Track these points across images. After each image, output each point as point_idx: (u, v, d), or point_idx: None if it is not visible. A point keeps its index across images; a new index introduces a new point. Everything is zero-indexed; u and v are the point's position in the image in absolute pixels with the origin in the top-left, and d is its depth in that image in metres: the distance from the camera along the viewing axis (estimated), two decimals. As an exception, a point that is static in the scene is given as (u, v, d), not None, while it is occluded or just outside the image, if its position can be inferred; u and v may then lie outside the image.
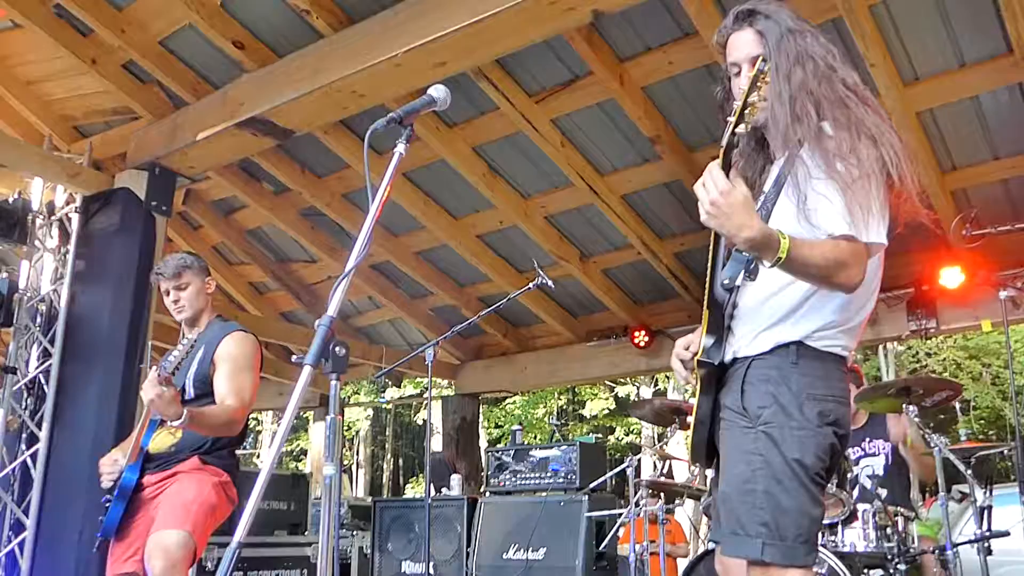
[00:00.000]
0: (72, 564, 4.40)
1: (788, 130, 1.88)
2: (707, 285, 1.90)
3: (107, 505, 3.11)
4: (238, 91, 4.72)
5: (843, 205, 1.81)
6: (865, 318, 1.99)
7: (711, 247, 1.90)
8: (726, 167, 1.73)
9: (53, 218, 5.24)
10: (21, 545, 4.63)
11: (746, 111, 1.71)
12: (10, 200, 5.12)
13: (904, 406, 3.67)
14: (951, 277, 5.53)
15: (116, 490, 3.10)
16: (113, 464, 3.18)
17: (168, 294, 3.40)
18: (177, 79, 4.95)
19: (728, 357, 1.95)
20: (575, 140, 5.38)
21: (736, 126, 1.72)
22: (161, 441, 3.18)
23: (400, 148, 1.89)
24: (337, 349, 1.59)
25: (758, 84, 1.72)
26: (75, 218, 5.09)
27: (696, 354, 1.95)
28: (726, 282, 1.84)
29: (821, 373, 1.88)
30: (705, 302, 1.91)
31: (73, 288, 4.93)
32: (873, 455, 4.30)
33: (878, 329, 6.24)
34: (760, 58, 1.80)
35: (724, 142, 1.74)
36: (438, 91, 2.01)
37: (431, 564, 5.50)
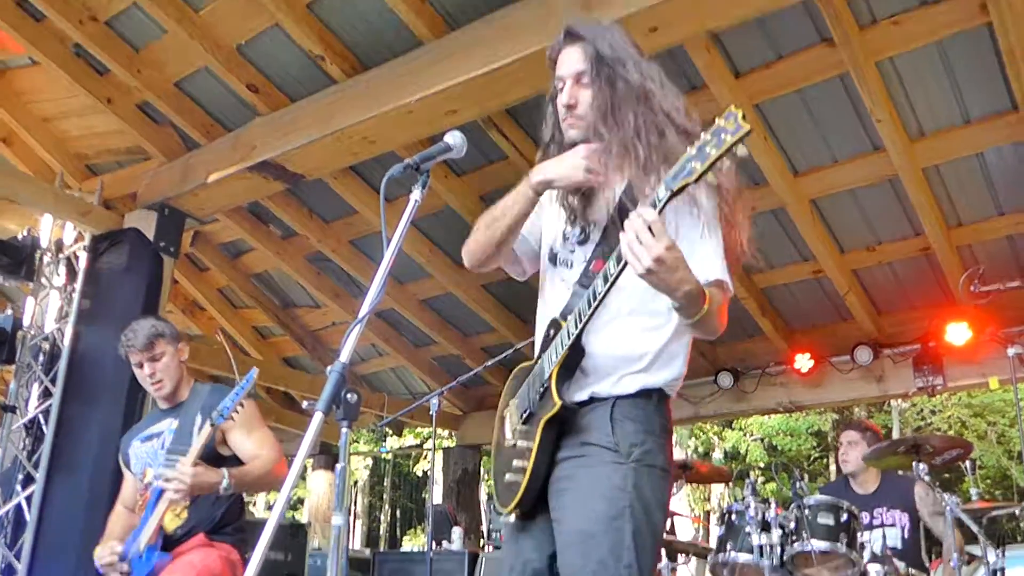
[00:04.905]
0: (63, 610, 4.31)
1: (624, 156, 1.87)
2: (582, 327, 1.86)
3: None
4: (250, 134, 4.76)
5: (712, 249, 1.83)
6: None
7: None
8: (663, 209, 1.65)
9: (61, 255, 5.25)
10: (12, 589, 4.55)
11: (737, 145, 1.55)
12: (19, 237, 5.14)
13: (914, 464, 3.62)
14: (958, 334, 5.49)
15: None
16: (113, 556, 2.86)
17: (141, 367, 3.10)
18: (190, 121, 4.99)
19: (581, 397, 1.90)
20: (582, 190, 5.39)
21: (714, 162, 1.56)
22: (166, 525, 2.94)
23: (416, 195, 1.86)
24: (349, 396, 1.56)
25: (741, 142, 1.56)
26: (83, 256, 5.10)
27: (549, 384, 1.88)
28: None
29: (668, 420, 1.93)
30: (572, 344, 1.86)
31: (77, 327, 4.91)
32: (890, 525, 4.15)
33: (884, 386, 6.18)
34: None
35: (688, 179, 1.59)
36: (455, 138, 1.98)
37: (430, 618, 5.36)
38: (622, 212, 1.88)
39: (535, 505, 1.92)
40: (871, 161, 4.68)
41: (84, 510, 4.41)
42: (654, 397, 1.90)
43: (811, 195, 5.01)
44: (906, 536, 4.13)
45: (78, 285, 5.03)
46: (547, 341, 1.95)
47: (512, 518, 1.96)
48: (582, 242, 2.01)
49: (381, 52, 4.33)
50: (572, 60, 2.01)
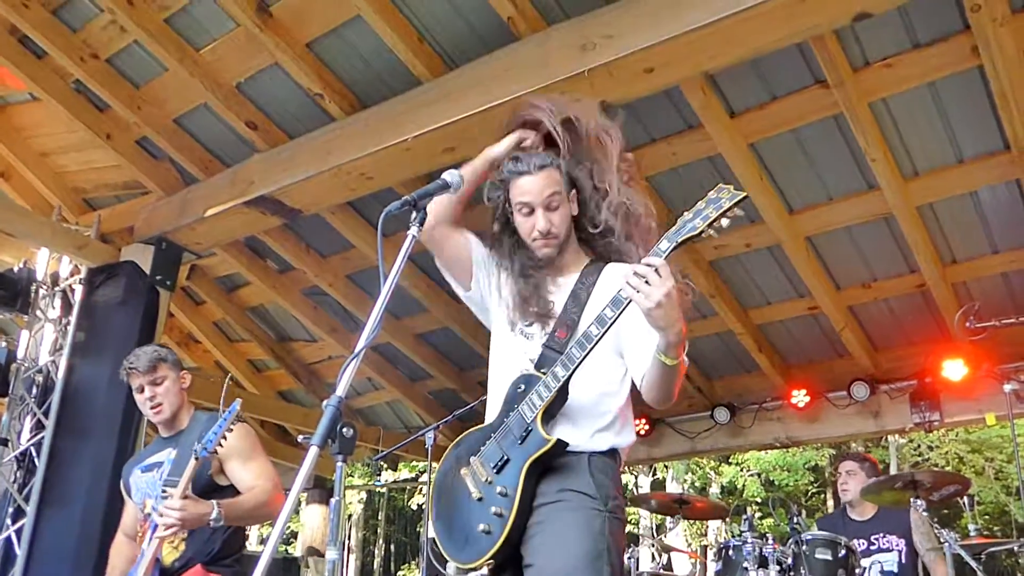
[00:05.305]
0: (52, 648, 4.25)
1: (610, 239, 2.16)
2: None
3: None
4: (248, 170, 4.78)
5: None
6: None
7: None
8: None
9: (56, 288, 5.25)
10: (-1, 627, 4.48)
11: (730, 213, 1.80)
12: (15, 269, 5.14)
13: (912, 500, 3.61)
14: (954, 370, 5.49)
15: None
16: None
17: (142, 391, 3.14)
18: (189, 156, 5.02)
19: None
20: (579, 226, 5.42)
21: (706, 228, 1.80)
22: (163, 557, 2.93)
23: (413, 231, 1.89)
24: (344, 430, 1.57)
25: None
26: (78, 289, 5.10)
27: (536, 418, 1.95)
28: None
29: (620, 478, 2.07)
30: (561, 387, 1.95)
31: (72, 359, 4.90)
32: (886, 550, 4.18)
33: (881, 421, 6.17)
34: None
35: (692, 233, 1.81)
36: (452, 176, 2.02)
37: (423, 657, 5.29)
38: (579, 292, 2.09)
39: (508, 556, 1.93)
40: (866, 199, 4.72)
41: (75, 544, 4.37)
42: (617, 457, 2.05)
43: (807, 232, 5.05)
44: (903, 561, 4.15)
45: (73, 318, 5.02)
46: (519, 396, 2.02)
47: (485, 570, 1.96)
48: (540, 317, 2.14)
49: (380, 90, 4.37)
50: (539, 185, 2.15)
